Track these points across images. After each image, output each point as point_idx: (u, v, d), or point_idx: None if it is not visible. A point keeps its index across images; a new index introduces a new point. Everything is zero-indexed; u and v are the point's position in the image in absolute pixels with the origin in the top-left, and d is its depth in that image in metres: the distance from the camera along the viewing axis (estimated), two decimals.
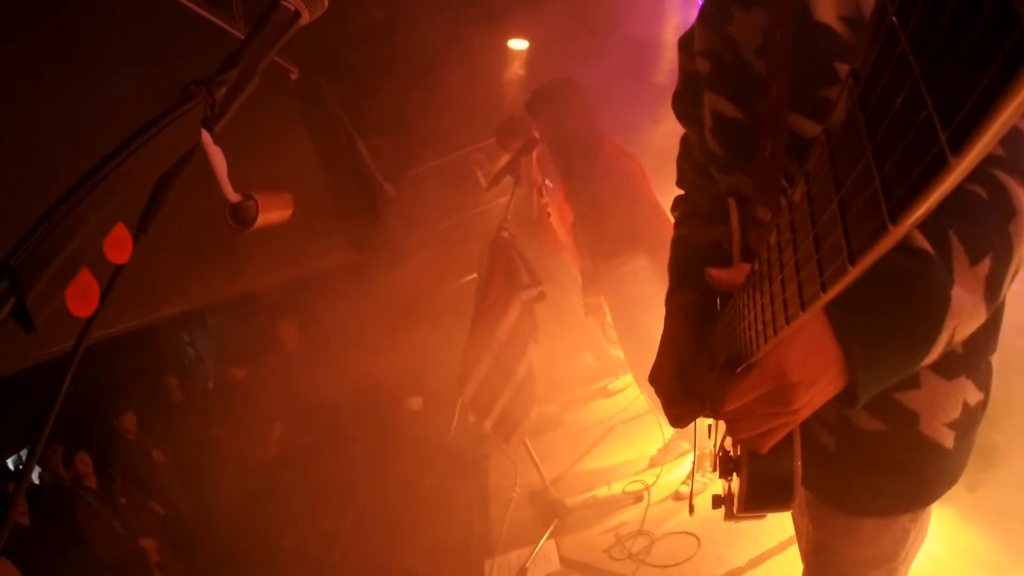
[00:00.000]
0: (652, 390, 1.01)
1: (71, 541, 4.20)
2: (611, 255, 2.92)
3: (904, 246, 0.64)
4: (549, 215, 3.44)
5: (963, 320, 0.64)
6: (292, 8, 0.72)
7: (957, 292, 0.63)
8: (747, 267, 0.61)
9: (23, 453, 5.67)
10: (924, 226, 0.64)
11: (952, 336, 0.64)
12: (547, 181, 3.25)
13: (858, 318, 0.64)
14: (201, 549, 4.77)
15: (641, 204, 2.90)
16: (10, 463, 5.54)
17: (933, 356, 0.65)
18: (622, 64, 3.90)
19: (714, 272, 0.75)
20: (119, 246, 0.54)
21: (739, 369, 0.65)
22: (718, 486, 0.98)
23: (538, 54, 4.61)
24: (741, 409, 0.65)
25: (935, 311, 0.63)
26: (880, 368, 0.64)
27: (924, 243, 0.64)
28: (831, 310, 0.64)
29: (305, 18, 0.73)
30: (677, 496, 2.98)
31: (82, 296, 0.50)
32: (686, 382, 0.96)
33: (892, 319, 0.64)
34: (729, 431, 0.69)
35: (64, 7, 2.48)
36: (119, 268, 0.55)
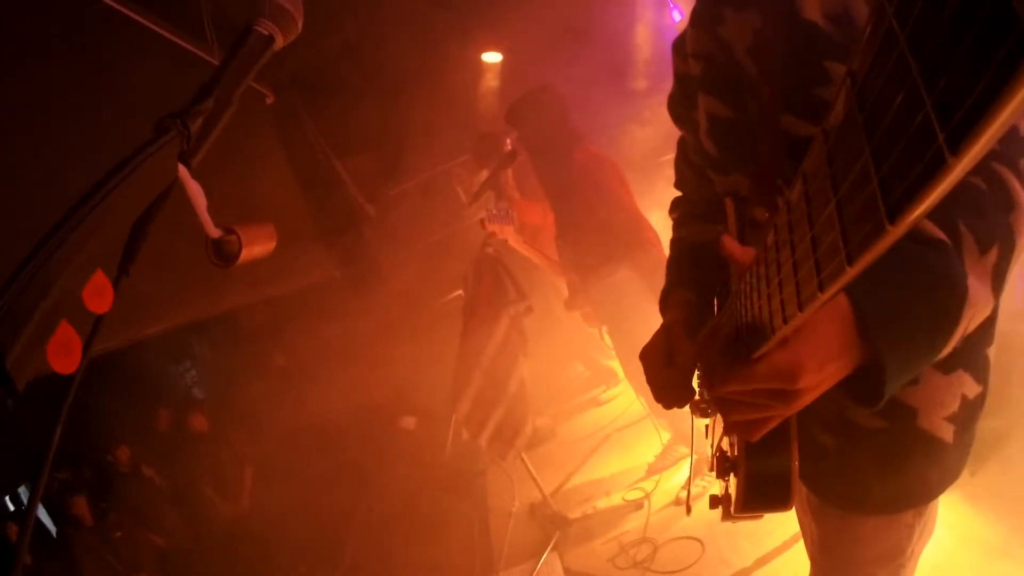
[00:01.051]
0: (648, 394, 1.00)
1: None
2: (595, 266, 2.90)
3: (923, 237, 0.63)
4: (506, 240, 3.36)
5: (977, 311, 0.63)
6: (266, 33, 0.70)
7: (972, 282, 0.62)
8: (753, 251, 0.57)
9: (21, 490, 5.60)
10: (934, 216, 0.63)
11: (966, 328, 0.63)
12: (492, 207, 3.20)
13: (887, 318, 0.61)
14: None
15: (621, 212, 2.88)
16: (8, 500, 5.47)
17: (948, 349, 0.63)
18: (596, 71, 3.92)
19: (727, 241, 0.69)
20: (99, 294, 0.50)
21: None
22: (719, 488, 0.97)
23: (512, 66, 4.62)
24: (739, 393, 0.62)
25: (956, 303, 0.62)
26: (904, 367, 0.62)
27: (940, 233, 0.63)
28: (858, 314, 0.60)
29: (279, 42, 0.71)
30: (678, 502, 2.97)
31: (64, 351, 0.46)
32: (676, 359, 0.95)
33: (918, 315, 0.62)
34: (721, 412, 0.67)
35: (27, 37, 2.43)
36: (99, 318, 0.51)
